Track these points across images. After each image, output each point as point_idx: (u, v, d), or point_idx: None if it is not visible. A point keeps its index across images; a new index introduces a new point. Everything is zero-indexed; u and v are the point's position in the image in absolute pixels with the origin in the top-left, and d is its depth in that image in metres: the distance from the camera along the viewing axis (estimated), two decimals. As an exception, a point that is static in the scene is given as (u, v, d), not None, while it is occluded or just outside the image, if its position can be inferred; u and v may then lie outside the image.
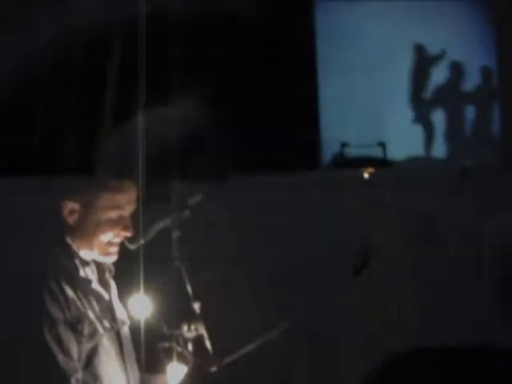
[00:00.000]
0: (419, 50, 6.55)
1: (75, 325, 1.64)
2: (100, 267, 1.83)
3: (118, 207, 1.75)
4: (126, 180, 1.78)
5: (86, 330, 1.66)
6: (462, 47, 6.26)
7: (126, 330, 1.86)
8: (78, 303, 1.67)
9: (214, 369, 1.78)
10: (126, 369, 1.79)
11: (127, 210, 1.79)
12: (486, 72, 6.20)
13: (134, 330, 1.92)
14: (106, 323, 1.75)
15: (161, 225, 1.85)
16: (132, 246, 1.85)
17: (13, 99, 5.26)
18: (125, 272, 1.94)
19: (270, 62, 6.73)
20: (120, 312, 1.86)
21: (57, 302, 1.62)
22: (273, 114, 6.26)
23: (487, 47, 6.10)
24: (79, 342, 1.64)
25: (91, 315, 1.70)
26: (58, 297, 1.63)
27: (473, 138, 6.15)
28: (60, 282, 1.66)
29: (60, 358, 1.59)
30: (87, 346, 1.66)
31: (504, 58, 5.78)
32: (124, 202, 1.77)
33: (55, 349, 1.59)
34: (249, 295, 4.04)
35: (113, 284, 1.88)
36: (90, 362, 1.66)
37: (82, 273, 1.75)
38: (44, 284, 1.63)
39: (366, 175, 6.67)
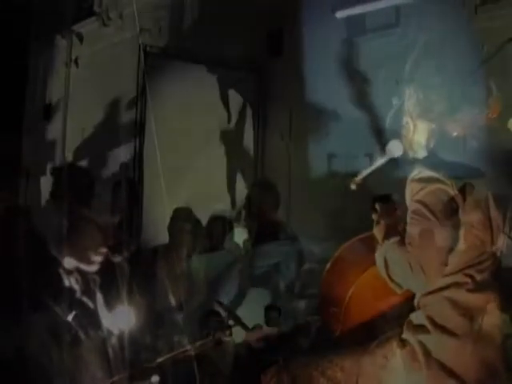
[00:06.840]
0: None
1: (57, 332, 1.66)
2: (84, 277, 1.86)
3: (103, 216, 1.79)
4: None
5: (68, 339, 1.68)
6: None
7: (113, 339, 1.88)
8: (60, 313, 1.70)
9: None
10: (111, 376, 1.81)
11: (112, 220, 1.82)
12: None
13: (119, 340, 1.94)
14: (91, 332, 1.77)
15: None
16: (117, 259, 1.87)
17: None
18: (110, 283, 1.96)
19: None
20: (106, 321, 1.88)
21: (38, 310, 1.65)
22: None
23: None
24: (61, 350, 1.66)
25: (74, 324, 1.72)
26: (39, 305, 1.65)
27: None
28: (41, 291, 1.68)
29: (44, 361, 1.61)
30: (70, 354, 1.68)
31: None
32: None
33: (38, 354, 1.61)
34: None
35: (98, 294, 1.90)
36: (73, 369, 1.69)
37: (65, 282, 1.77)
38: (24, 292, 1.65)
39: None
